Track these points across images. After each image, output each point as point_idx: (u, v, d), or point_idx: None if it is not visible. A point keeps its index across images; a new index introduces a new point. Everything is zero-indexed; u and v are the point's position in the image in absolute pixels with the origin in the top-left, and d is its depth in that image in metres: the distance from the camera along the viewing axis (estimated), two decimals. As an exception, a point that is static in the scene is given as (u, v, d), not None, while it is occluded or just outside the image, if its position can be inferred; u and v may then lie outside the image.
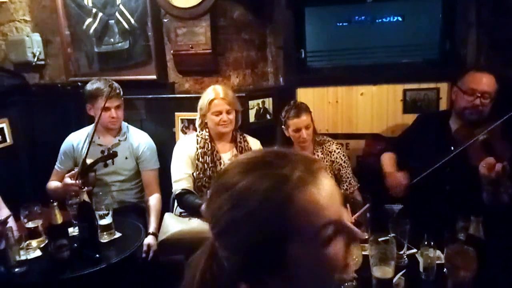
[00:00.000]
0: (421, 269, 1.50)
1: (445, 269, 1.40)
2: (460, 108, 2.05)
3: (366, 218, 1.72)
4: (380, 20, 2.85)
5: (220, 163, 2.17)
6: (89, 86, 2.42)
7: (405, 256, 1.61)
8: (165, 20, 2.77)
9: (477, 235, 1.38)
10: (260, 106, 2.76)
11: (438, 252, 1.51)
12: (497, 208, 1.74)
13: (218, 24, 2.69)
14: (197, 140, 2.22)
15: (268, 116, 2.80)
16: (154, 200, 2.44)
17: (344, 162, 2.32)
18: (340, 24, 2.93)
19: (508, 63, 2.37)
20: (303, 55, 2.87)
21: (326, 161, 2.29)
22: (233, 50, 2.74)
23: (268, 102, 2.80)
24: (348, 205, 1.64)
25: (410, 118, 2.49)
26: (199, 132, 2.26)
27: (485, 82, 1.99)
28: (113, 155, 2.31)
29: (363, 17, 2.88)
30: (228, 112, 2.17)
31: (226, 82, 2.76)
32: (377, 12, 2.84)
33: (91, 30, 2.89)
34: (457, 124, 2.13)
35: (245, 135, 2.33)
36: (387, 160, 2.29)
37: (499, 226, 1.52)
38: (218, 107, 2.16)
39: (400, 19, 2.81)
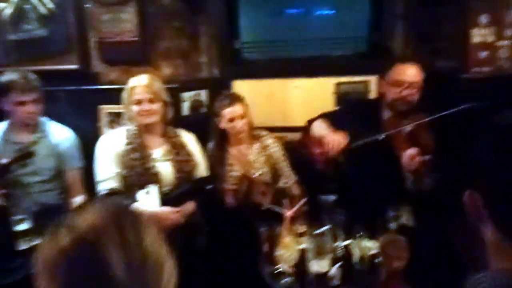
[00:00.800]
0: (356, 259, 1.51)
1: (378, 258, 1.42)
2: (390, 100, 2.11)
3: (303, 212, 1.71)
4: (313, 13, 2.87)
5: (150, 160, 2.04)
6: (2, 78, 2.16)
7: (340, 248, 1.62)
8: (88, 6, 2.55)
9: (408, 224, 1.42)
10: (194, 98, 2.65)
11: (372, 242, 1.54)
12: (421, 195, 1.81)
13: (147, 10, 2.53)
14: (126, 135, 2.07)
15: (202, 109, 2.70)
16: (79, 202, 2.25)
17: (282, 156, 2.30)
18: (275, 15, 2.90)
19: (435, 54, 2.48)
20: (238, 46, 2.80)
21: (263, 156, 2.25)
22: (164, 39, 2.60)
23: (203, 95, 2.70)
24: (286, 199, 1.62)
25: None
26: (127, 126, 2.11)
27: (410, 73, 2.05)
28: (29, 154, 2.09)
29: (297, 9, 2.88)
30: (151, 101, 2.03)
31: (156, 73, 2.61)
32: (310, 5, 2.85)
33: (4, 15, 2.59)
34: (388, 115, 2.18)
35: (178, 129, 2.22)
36: (320, 124, 2.18)
37: (428, 214, 1.58)
38: (139, 95, 2.01)
39: (332, 12, 2.84)
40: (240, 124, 2.15)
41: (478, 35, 2.20)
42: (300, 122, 2.75)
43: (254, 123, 2.33)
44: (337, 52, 2.81)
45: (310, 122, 2.29)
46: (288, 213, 1.61)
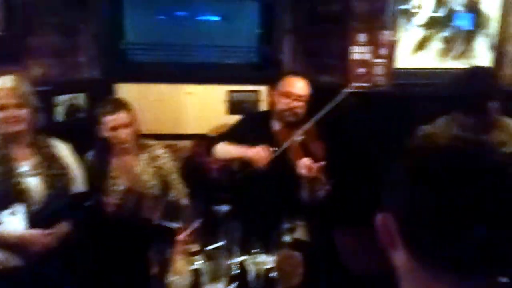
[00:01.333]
0: (251, 277, 1.47)
1: (274, 274, 1.40)
2: (279, 110, 2.15)
3: (195, 229, 1.62)
4: (200, 18, 2.81)
5: (16, 175, 1.73)
6: None
7: (235, 265, 1.57)
8: None
9: (302, 239, 1.43)
10: (70, 102, 2.36)
11: (267, 257, 1.51)
12: (317, 206, 1.86)
13: (16, 2, 2.18)
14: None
15: (80, 115, 2.42)
16: None
17: (172, 167, 2.16)
18: (162, 17, 2.77)
19: (320, 69, 2.62)
20: (122, 47, 2.59)
21: (152, 167, 2.09)
22: (36, 35, 2.26)
23: (80, 98, 2.42)
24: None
25: (234, 119, 2.50)
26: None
27: (299, 86, 2.13)
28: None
29: (185, 13, 2.78)
30: (17, 106, 1.73)
31: (25, 73, 2.26)
32: (197, 9, 2.78)
33: None
34: (278, 126, 2.22)
35: (50, 138, 1.93)
36: (228, 145, 2.16)
37: (322, 228, 1.62)
38: (3, 100, 1.70)
39: (219, 18, 2.81)
40: (124, 133, 1.96)
41: (357, 52, 2.37)
42: (193, 129, 2.67)
43: (140, 132, 2.16)
44: (230, 61, 2.79)
45: (208, 141, 2.24)
46: (180, 237, 1.51)
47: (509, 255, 0.57)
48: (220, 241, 1.61)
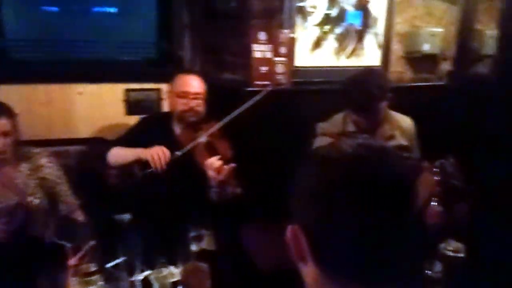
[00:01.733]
0: (156, 292, 1.39)
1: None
2: (178, 111, 2.07)
3: (92, 247, 1.47)
4: (93, 10, 2.58)
5: None
6: None
7: (138, 282, 1.46)
8: None
9: (209, 249, 1.38)
10: None
11: (173, 269, 1.44)
12: (225, 209, 1.83)
13: None
14: None
15: None
16: None
17: (59, 177, 1.93)
18: (49, 9, 2.48)
19: (222, 67, 2.58)
20: (2, 43, 2.28)
21: (35, 179, 1.86)
22: None
23: None
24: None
25: (134, 120, 2.35)
26: None
27: (194, 84, 2.07)
28: None
29: (73, 4, 2.53)
30: None
31: None
32: (89, 0, 2.55)
33: None
34: (180, 127, 2.13)
35: None
36: (124, 149, 2.04)
37: (230, 236, 1.58)
38: None
39: (113, 10, 2.61)
40: (1, 142, 1.72)
41: (259, 51, 2.37)
42: (86, 133, 2.45)
43: (21, 139, 1.90)
44: (126, 57, 2.61)
45: (104, 145, 2.07)
46: (71, 261, 1.36)
47: (413, 266, 0.60)
48: (121, 256, 1.49)
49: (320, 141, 2.17)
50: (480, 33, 2.86)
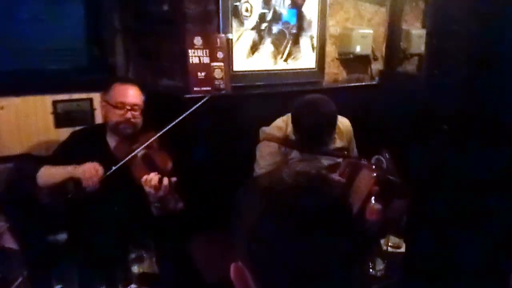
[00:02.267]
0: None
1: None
2: (113, 123, 1.95)
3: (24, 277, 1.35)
4: (16, 16, 2.37)
5: None
6: None
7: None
8: None
9: (150, 272, 1.32)
10: None
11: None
12: (168, 224, 1.76)
13: None
14: None
15: None
16: None
17: None
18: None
19: (159, 73, 2.49)
20: None
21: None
22: None
23: None
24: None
25: (65, 133, 2.19)
26: None
27: (131, 94, 1.96)
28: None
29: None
30: None
31: None
32: (11, 6, 2.34)
33: None
34: (115, 140, 2.02)
35: None
36: (53, 167, 1.89)
37: (170, 255, 1.52)
38: None
39: (38, 15, 2.42)
40: None
41: (195, 56, 2.32)
42: (10, 150, 2.25)
43: None
44: (53, 66, 2.43)
45: (31, 163, 1.93)
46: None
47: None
48: (56, 284, 1.39)
49: (264, 146, 2.17)
50: (407, 33, 3.01)
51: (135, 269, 1.40)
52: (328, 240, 0.56)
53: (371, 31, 2.84)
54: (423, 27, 3.16)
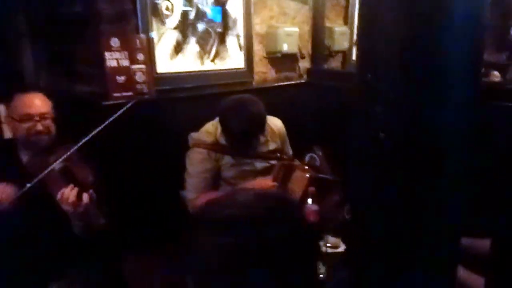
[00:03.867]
0: None
1: None
2: (23, 137, 1.75)
3: None
4: None
5: None
6: None
7: None
8: None
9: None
10: None
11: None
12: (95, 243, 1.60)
13: None
14: None
15: None
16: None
17: None
18: None
19: (73, 79, 2.26)
20: None
21: None
22: None
23: None
24: None
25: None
26: None
27: (36, 103, 1.76)
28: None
29: None
30: None
31: None
32: None
33: None
34: (28, 154, 1.81)
35: None
36: None
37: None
38: None
39: None
40: None
41: (113, 59, 2.14)
42: None
43: None
44: None
45: None
46: None
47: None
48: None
49: (194, 153, 2.06)
50: (330, 30, 3.06)
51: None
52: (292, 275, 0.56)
53: (297, 29, 2.84)
54: (345, 24, 3.24)
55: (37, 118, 1.73)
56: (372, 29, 0.61)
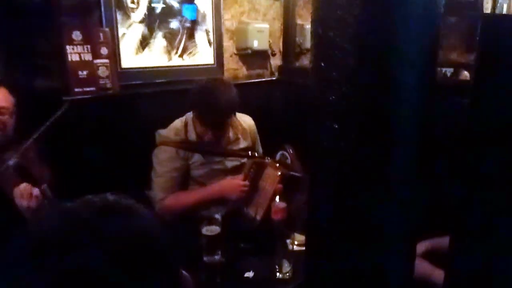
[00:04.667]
0: None
1: None
2: None
3: None
4: None
5: None
6: None
7: None
8: None
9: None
10: None
11: None
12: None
13: None
14: None
15: None
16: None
17: None
18: None
19: (32, 73, 2.16)
20: None
21: None
22: None
23: None
24: None
25: None
26: None
27: None
28: None
29: None
30: None
31: None
32: None
33: None
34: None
35: None
36: None
37: None
38: None
39: None
40: None
41: (75, 52, 2.05)
42: None
43: None
44: None
45: None
46: None
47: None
48: None
49: (161, 152, 2.00)
50: (301, 28, 3.05)
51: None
52: None
53: (267, 26, 2.81)
54: (317, 21, 3.22)
55: None
56: (326, 15, 0.58)
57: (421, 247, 1.43)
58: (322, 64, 0.58)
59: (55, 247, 0.42)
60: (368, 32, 0.53)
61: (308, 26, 3.04)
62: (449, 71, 3.00)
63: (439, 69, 2.83)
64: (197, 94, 1.89)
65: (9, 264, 0.42)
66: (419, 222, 0.61)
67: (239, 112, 2.13)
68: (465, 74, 2.97)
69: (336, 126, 0.58)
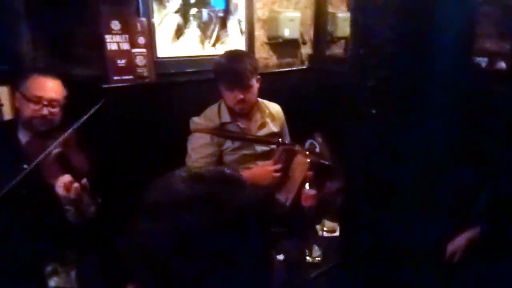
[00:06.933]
0: None
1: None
2: (27, 117, 1.77)
3: None
4: None
5: None
6: None
7: None
8: None
9: (67, 287, 1.18)
10: None
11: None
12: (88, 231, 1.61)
13: None
14: None
15: None
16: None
17: None
18: None
19: (70, 62, 2.25)
20: None
21: None
22: None
23: None
24: None
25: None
26: None
27: (51, 88, 1.79)
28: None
29: None
30: None
31: None
32: None
33: None
34: (28, 136, 1.82)
35: None
36: None
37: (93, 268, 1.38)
38: None
39: None
40: None
41: (113, 42, 2.13)
42: None
43: None
44: None
45: None
46: None
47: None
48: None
49: (195, 138, 2.06)
50: (333, 16, 3.03)
51: (52, 283, 1.24)
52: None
53: (299, 14, 2.81)
54: (349, 10, 3.19)
55: (45, 103, 1.75)
56: (366, 4, 0.60)
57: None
58: (361, 52, 0.60)
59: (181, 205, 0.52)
60: (407, 20, 0.55)
61: (340, 15, 3.02)
62: (483, 61, 2.91)
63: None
64: (217, 63, 2.03)
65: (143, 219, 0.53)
66: (451, 201, 0.64)
67: (267, 100, 2.18)
68: (502, 65, 2.89)
69: (374, 112, 0.60)
